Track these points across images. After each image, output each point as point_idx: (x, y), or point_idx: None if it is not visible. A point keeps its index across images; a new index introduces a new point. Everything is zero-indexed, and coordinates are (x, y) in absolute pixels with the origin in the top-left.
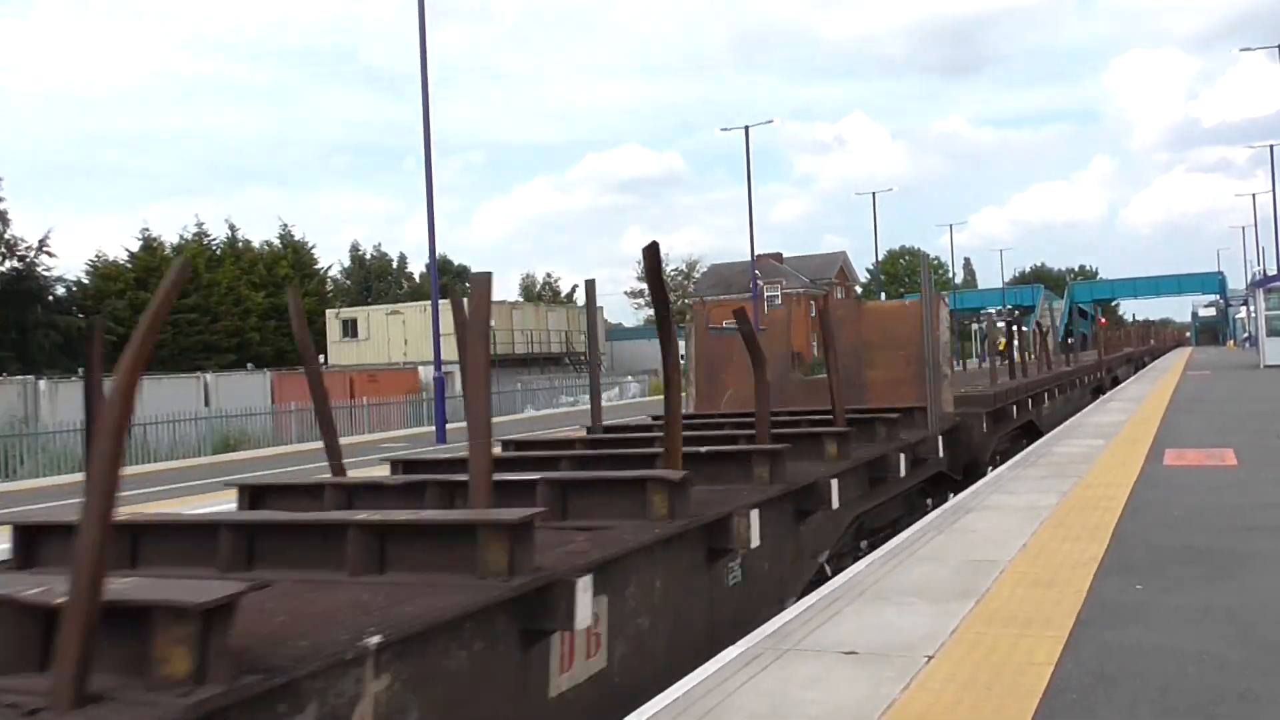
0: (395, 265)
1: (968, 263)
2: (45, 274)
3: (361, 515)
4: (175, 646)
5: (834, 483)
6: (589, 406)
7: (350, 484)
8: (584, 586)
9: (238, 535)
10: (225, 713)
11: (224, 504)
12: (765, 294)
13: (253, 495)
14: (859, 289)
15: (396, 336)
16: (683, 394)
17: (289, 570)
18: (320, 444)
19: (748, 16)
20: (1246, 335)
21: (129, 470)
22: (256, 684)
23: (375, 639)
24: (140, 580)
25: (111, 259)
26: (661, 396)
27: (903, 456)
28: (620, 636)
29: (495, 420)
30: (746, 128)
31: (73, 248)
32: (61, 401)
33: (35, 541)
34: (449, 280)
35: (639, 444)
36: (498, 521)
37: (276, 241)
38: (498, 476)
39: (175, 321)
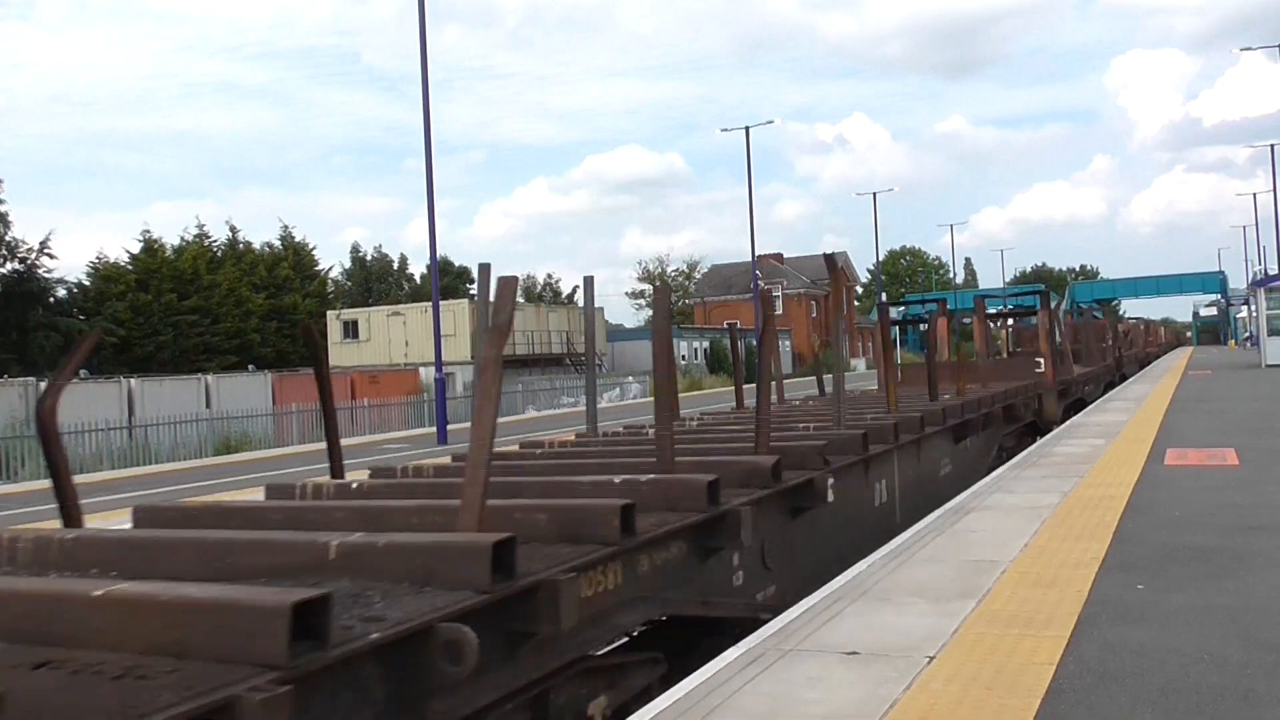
0: (396, 266)
1: (968, 263)
2: (46, 276)
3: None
4: None
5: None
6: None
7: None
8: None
9: None
10: None
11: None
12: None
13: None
14: (859, 289)
15: (397, 337)
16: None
17: None
18: (321, 445)
19: (748, 17)
20: (1248, 335)
21: (130, 472)
22: None
23: None
24: None
25: (112, 260)
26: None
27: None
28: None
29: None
30: (747, 128)
31: (73, 249)
32: (62, 403)
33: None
34: (450, 281)
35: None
36: None
37: (277, 243)
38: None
39: (176, 323)
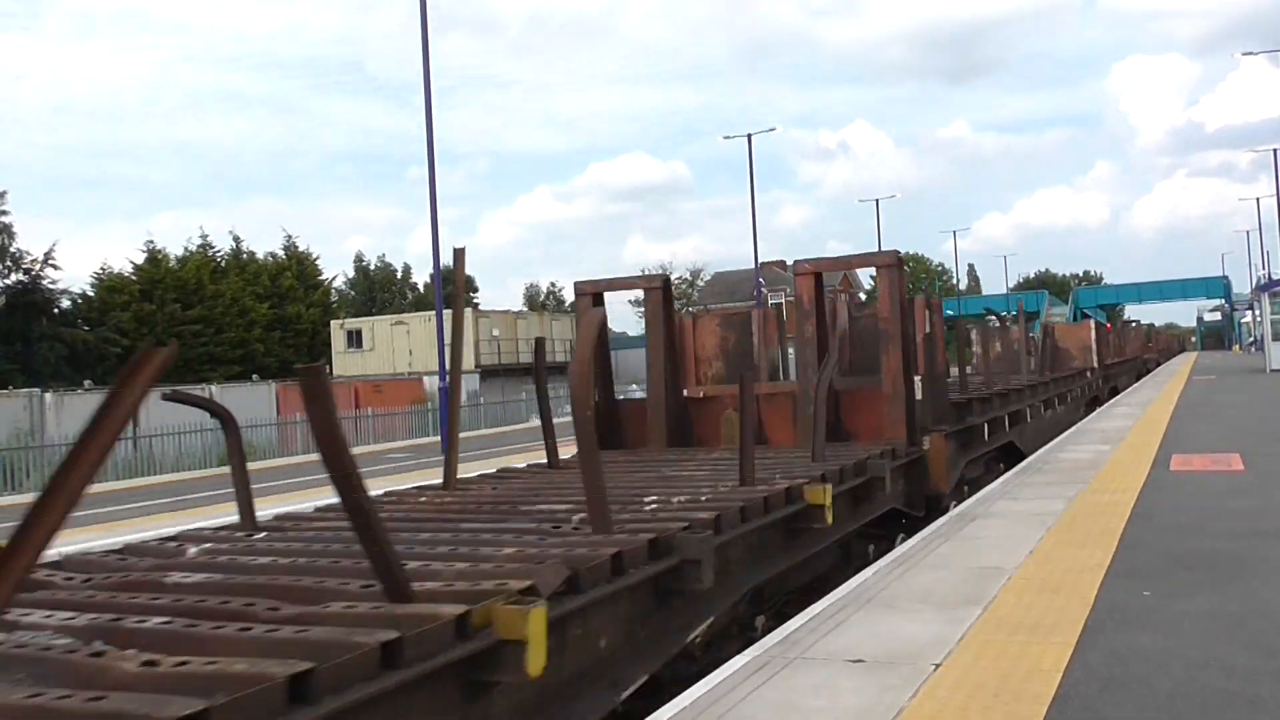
0: (399, 275)
1: (972, 268)
2: (50, 287)
3: None
4: None
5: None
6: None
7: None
8: None
9: None
10: None
11: (227, 518)
12: (769, 301)
13: None
14: (862, 296)
15: (401, 347)
16: None
17: None
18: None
19: (751, 24)
20: (1252, 339)
21: (135, 483)
22: None
23: None
24: None
25: (116, 271)
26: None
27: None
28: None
29: (499, 430)
30: (749, 135)
31: (78, 260)
32: (67, 414)
33: None
34: (453, 290)
35: None
36: None
37: (281, 252)
38: None
39: (180, 333)
